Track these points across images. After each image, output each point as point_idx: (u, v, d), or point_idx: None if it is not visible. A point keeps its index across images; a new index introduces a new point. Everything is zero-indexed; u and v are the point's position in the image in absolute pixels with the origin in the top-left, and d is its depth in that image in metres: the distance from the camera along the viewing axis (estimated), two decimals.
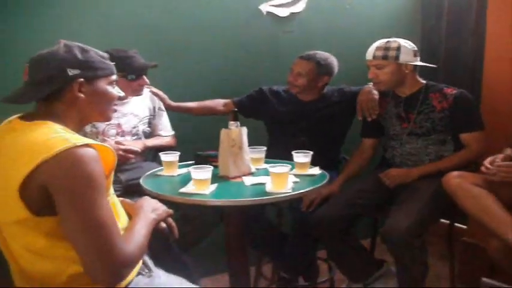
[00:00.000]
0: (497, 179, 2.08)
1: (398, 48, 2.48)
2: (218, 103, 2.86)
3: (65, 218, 1.27)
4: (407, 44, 2.52)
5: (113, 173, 1.45)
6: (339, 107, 2.80)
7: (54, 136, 1.30)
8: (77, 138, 1.31)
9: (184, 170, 2.27)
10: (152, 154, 2.67)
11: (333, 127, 2.82)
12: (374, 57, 2.51)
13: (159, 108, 2.71)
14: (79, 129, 1.48)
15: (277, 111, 2.83)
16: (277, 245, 2.69)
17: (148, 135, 2.65)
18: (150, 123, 2.67)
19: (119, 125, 2.51)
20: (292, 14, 3.21)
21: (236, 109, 2.26)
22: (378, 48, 2.51)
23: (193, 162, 2.33)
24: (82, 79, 1.42)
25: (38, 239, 1.32)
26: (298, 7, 3.23)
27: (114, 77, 1.53)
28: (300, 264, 2.66)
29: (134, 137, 2.57)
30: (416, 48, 2.56)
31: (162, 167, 2.31)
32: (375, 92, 2.67)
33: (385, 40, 2.53)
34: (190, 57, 2.97)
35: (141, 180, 2.14)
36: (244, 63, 3.13)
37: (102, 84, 1.48)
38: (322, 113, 2.79)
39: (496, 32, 2.93)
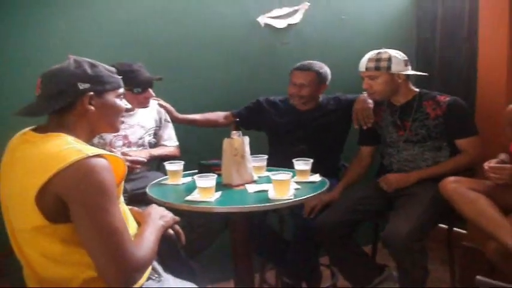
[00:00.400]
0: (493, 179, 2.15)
1: (389, 59, 2.55)
2: (219, 116, 2.95)
3: (79, 225, 1.33)
4: (397, 54, 2.59)
5: (123, 182, 1.52)
6: (336, 116, 2.88)
7: (68, 147, 1.37)
8: (89, 149, 1.38)
9: (188, 179, 2.34)
10: (156, 164, 2.74)
11: (331, 135, 2.89)
12: (367, 68, 2.59)
13: (165, 120, 2.78)
14: (89, 140, 1.55)
15: (275, 121, 2.90)
16: (280, 251, 2.75)
17: (154, 145, 2.72)
18: (155, 134, 2.74)
19: (125, 136, 2.58)
20: (290, 25, 3.29)
21: (238, 119, 2.33)
22: (369, 60, 2.58)
23: (196, 171, 2.40)
24: (92, 93, 1.49)
25: (54, 246, 1.38)
26: (295, 18, 3.31)
27: (121, 90, 1.60)
28: (303, 270, 2.71)
29: (140, 148, 2.63)
30: (407, 58, 2.63)
31: (166, 176, 2.37)
32: (370, 101, 2.74)
33: (376, 51, 2.60)
34: (192, 70, 3.04)
35: (147, 189, 2.20)
36: (244, 75, 3.20)
37: (111, 97, 1.56)
38: (319, 121, 2.86)
39: (488, 42, 3.03)
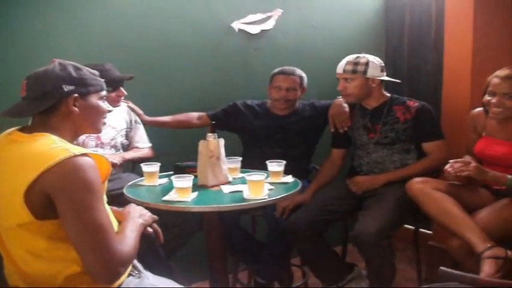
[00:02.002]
0: (453, 174, 2.30)
1: (367, 64, 2.69)
2: (192, 116, 3.03)
3: (66, 221, 1.41)
4: (375, 60, 2.74)
5: (107, 181, 1.61)
6: (311, 121, 3.01)
7: (55, 146, 1.46)
8: (75, 148, 1.47)
9: (164, 180, 2.44)
10: (131, 165, 2.83)
11: (305, 139, 3.02)
12: (344, 71, 2.72)
13: (136, 122, 2.88)
14: (73, 140, 1.63)
15: (252, 124, 3.01)
16: (252, 251, 2.86)
17: (126, 147, 2.81)
18: (127, 136, 2.83)
19: (98, 137, 2.66)
20: (263, 31, 3.41)
21: (214, 122, 2.44)
22: (348, 63, 2.72)
23: (172, 173, 2.49)
24: (76, 94, 1.58)
25: (39, 242, 1.46)
26: (268, 24, 3.43)
27: (104, 92, 1.69)
28: (275, 269, 2.82)
29: (113, 149, 2.72)
30: (383, 64, 2.78)
31: (143, 178, 2.46)
32: (345, 105, 2.88)
33: (355, 55, 2.74)
34: (165, 74, 3.13)
35: (124, 190, 2.28)
36: (217, 79, 3.30)
37: (94, 99, 1.65)
38: (296, 126, 2.98)
39: (453, 50, 3.21)
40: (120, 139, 2.78)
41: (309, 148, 3.09)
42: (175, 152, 2.95)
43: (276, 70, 3.00)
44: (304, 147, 3.04)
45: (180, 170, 2.41)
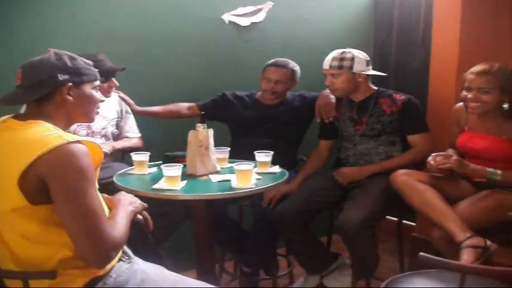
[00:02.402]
0: (434, 166, 2.39)
1: (352, 59, 2.75)
2: (182, 107, 3.07)
3: (59, 205, 1.47)
4: (360, 55, 2.80)
5: (99, 168, 1.67)
6: (300, 112, 3.07)
7: (49, 133, 1.52)
8: (69, 135, 1.53)
9: (154, 169, 2.51)
10: (121, 155, 2.89)
11: (294, 130, 3.10)
12: (330, 66, 2.78)
13: (126, 112, 2.93)
14: (66, 128, 1.68)
15: (242, 115, 3.07)
16: (239, 241, 2.93)
17: (116, 136, 2.87)
18: (117, 125, 2.89)
19: (89, 126, 2.72)
20: (253, 23, 3.48)
21: (204, 112, 2.50)
22: (334, 59, 2.78)
23: (161, 162, 2.56)
24: (71, 83, 1.63)
25: (33, 226, 1.52)
26: (259, 17, 3.49)
27: (97, 82, 1.75)
28: (261, 259, 2.90)
29: (103, 138, 2.79)
30: (369, 58, 2.85)
31: (133, 167, 2.52)
32: (332, 97, 2.95)
33: (341, 51, 2.80)
34: (156, 64, 3.18)
35: (114, 178, 2.35)
36: (208, 70, 3.36)
37: (88, 88, 1.70)
38: (285, 116, 3.05)
39: (440, 45, 3.30)
40: (111, 129, 2.84)
41: (297, 138, 3.16)
42: (165, 142, 3.02)
43: (269, 61, 3.06)
44: (293, 138, 3.11)
45: (169, 160, 2.47)
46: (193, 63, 3.32)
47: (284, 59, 3.08)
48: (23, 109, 2.14)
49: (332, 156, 3.08)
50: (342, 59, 2.76)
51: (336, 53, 2.81)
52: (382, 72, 3.07)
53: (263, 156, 2.50)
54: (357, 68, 2.76)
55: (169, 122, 3.12)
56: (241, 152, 2.74)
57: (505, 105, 2.45)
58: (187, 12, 3.25)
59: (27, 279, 1.52)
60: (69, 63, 1.64)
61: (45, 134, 1.51)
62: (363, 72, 2.80)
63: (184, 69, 3.29)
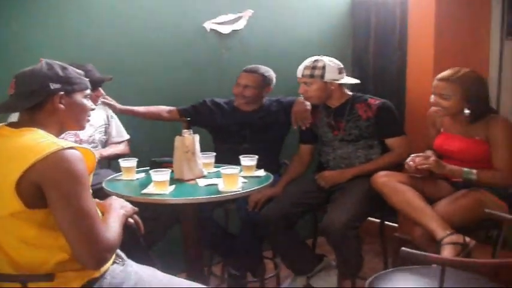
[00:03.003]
0: (413, 167, 2.50)
1: (323, 67, 2.83)
2: (163, 110, 3.15)
3: (56, 210, 1.53)
4: (332, 63, 2.87)
5: (93, 172, 1.73)
6: (277, 117, 3.16)
7: (44, 140, 1.58)
8: (63, 142, 1.59)
9: (141, 175, 2.57)
10: (107, 162, 2.95)
11: (272, 135, 3.17)
12: (302, 75, 2.87)
13: (111, 117, 3.00)
14: (58, 135, 1.74)
15: (221, 121, 3.14)
16: (226, 244, 3.00)
17: (104, 143, 2.93)
18: (106, 132, 2.95)
19: (76, 134, 2.77)
20: (234, 31, 3.56)
21: (189, 118, 2.58)
22: (306, 67, 2.86)
23: (148, 168, 2.62)
24: (62, 92, 1.69)
25: (30, 230, 1.57)
26: (239, 25, 3.58)
27: (88, 91, 1.81)
28: (248, 261, 2.98)
29: (91, 145, 2.84)
30: (341, 66, 2.91)
31: (120, 173, 2.59)
32: (307, 103, 3.03)
33: (313, 59, 2.88)
34: (139, 71, 3.24)
35: (103, 184, 2.40)
36: (189, 78, 3.44)
37: (79, 97, 1.77)
38: (262, 122, 3.13)
39: (416, 51, 3.43)
40: (98, 136, 2.90)
41: (276, 143, 3.23)
42: (150, 148, 3.11)
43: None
44: (272, 143, 3.19)
45: (157, 165, 2.53)
46: (176, 70, 3.38)
47: (258, 65, 3.16)
48: (11, 117, 2.19)
49: (314, 159, 3.17)
50: (313, 67, 2.84)
51: (308, 61, 2.89)
52: (361, 77, 3.17)
53: (248, 161, 2.58)
54: (328, 76, 2.83)
55: (154, 129, 3.20)
56: (224, 157, 2.80)
57: (466, 111, 2.57)
58: (170, 20, 3.33)
59: (26, 282, 1.57)
60: (60, 72, 1.71)
61: (40, 141, 1.57)
62: (335, 81, 2.87)
63: (167, 76, 3.36)
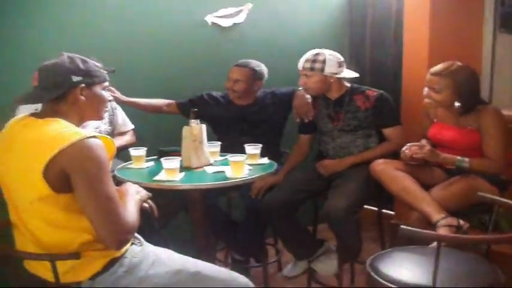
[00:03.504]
0: (408, 156, 2.64)
1: (324, 61, 2.95)
2: (163, 103, 3.30)
3: (80, 194, 1.66)
4: (332, 57, 2.99)
5: (112, 159, 1.86)
6: (272, 109, 3.28)
7: (68, 130, 1.71)
8: (85, 131, 1.73)
9: (150, 163, 2.71)
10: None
11: (269, 126, 3.29)
12: (303, 67, 2.99)
13: (115, 108, 3.13)
14: (79, 125, 1.87)
15: (217, 114, 3.26)
16: (229, 231, 3.14)
17: (111, 133, 3.05)
18: (110, 122, 3.07)
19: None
20: (234, 24, 3.69)
21: (196, 109, 2.71)
22: (306, 60, 2.99)
23: (156, 157, 2.76)
24: (83, 85, 1.82)
25: (56, 213, 1.70)
26: (240, 18, 3.71)
27: (106, 83, 1.94)
28: (251, 247, 3.13)
29: None
30: (341, 60, 3.04)
31: (130, 161, 2.72)
32: (308, 96, 3.17)
33: (315, 52, 3.00)
34: (142, 64, 3.38)
35: (116, 172, 2.53)
36: (191, 70, 3.56)
37: (98, 89, 1.89)
38: (258, 115, 3.26)
39: (412, 44, 3.57)
40: (104, 127, 3.02)
41: (274, 134, 3.36)
42: (156, 138, 3.22)
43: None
44: (270, 135, 3.30)
45: (165, 154, 2.67)
46: (177, 63, 3.51)
47: (249, 59, 3.27)
48: (19, 109, 2.29)
49: (314, 148, 3.31)
50: (314, 60, 2.96)
51: (309, 54, 3.01)
52: (358, 69, 3.29)
53: (252, 149, 2.72)
54: (328, 70, 2.96)
55: (158, 120, 3.34)
56: (225, 149, 2.92)
57: (457, 104, 2.71)
58: (172, 14, 3.46)
59: (54, 260, 1.70)
60: (81, 65, 1.83)
61: (64, 130, 1.70)
62: (335, 75, 3.00)
63: (169, 69, 3.49)
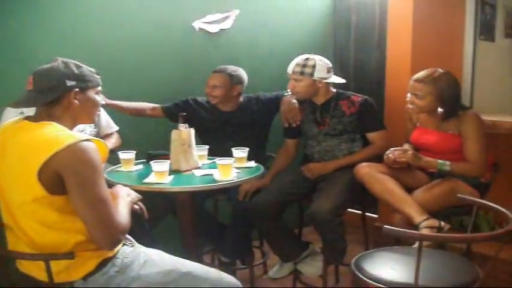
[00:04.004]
0: (392, 160, 2.73)
1: (314, 66, 3.04)
2: (147, 107, 3.33)
3: (74, 196, 1.72)
4: (322, 62, 3.08)
5: (105, 162, 1.92)
6: (257, 113, 3.35)
7: (62, 133, 1.77)
8: (79, 135, 1.79)
9: (139, 166, 2.77)
10: None
11: (254, 131, 3.36)
12: (293, 71, 3.07)
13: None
14: (71, 128, 1.93)
15: (202, 119, 3.31)
16: (216, 233, 3.21)
17: (96, 135, 3.10)
18: (95, 124, 3.12)
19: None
20: (222, 30, 3.77)
21: (185, 113, 2.77)
22: (297, 64, 3.07)
23: (144, 161, 2.82)
24: (77, 89, 1.88)
25: (50, 214, 1.76)
26: (227, 24, 3.79)
27: (99, 88, 2.01)
28: (238, 249, 3.20)
29: None
30: (330, 65, 3.13)
31: (119, 165, 2.78)
32: (295, 101, 3.24)
33: (305, 57, 3.09)
34: (129, 68, 3.43)
35: (105, 175, 2.58)
36: (178, 75, 3.63)
37: (92, 93, 1.95)
38: (242, 120, 3.32)
39: (395, 49, 3.69)
40: (89, 129, 3.07)
41: (259, 138, 3.43)
42: (141, 142, 3.29)
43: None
44: (255, 139, 3.36)
45: (153, 157, 2.72)
46: (166, 68, 3.58)
47: (227, 65, 3.32)
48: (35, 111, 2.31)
49: (299, 152, 3.39)
50: (304, 65, 3.05)
51: (299, 59, 3.09)
52: (343, 74, 3.40)
53: (240, 152, 2.80)
54: (317, 75, 3.05)
55: (142, 123, 3.39)
56: (212, 153, 2.98)
57: (440, 110, 2.82)
58: (160, 19, 3.51)
59: (48, 260, 1.76)
60: (75, 70, 1.89)
61: (59, 133, 1.76)
62: (324, 80, 3.09)
63: (156, 74, 3.55)
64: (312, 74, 3.04)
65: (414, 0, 3.53)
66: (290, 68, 3.10)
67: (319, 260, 3.11)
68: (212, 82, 3.25)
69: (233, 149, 2.81)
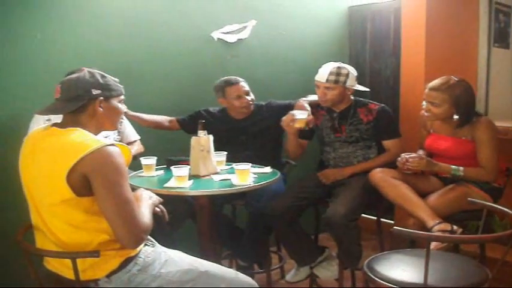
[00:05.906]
0: (406, 168, 2.80)
1: (347, 75, 3.13)
2: (165, 119, 3.50)
3: (100, 197, 1.83)
4: (353, 71, 3.17)
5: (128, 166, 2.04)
6: (270, 120, 3.41)
7: (89, 138, 1.89)
8: (105, 140, 1.91)
9: (160, 172, 2.89)
10: None
11: (268, 137, 3.45)
12: (327, 80, 3.11)
13: (122, 119, 3.30)
14: (96, 135, 2.05)
15: (215, 129, 3.30)
16: (234, 237, 3.31)
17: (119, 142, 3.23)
18: (119, 132, 3.26)
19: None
20: (239, 40, 3.90)
21: (204, 121, 2.89)
22: (331, 73, 3.10)
23: (165, 166, 2.94)
24: (102, 97, 2.00)
25: (77, 215, 1.87)
26: (244, 34, 3.92)
27: (123, 96, 2.13)
28: (255, 253, 3.28)
29: None
30: (357, 74, 3.21)
31: (141, 170, 2.91)
32: (307, 106, 3.23)
33: (337, 65, 3.13)
34: (149, 78, 3.57)
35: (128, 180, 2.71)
36: (197, 84, 3.76)
37: (115, 101, 2.07)
38: (255, 127, 3.42)
39: (409, 56, 3.76)
40: (113, 136, 3.21)
41: (274, 145, 3.52)
42: (161, 148, 3.40)
43: (222, 82, 3.41)
44: (270, 146, 3.47)
45: (174, 163, 2.84)
46: (184, 77, 3.71)
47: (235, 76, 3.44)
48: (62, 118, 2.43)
49: (315, 158, 3.48)
50: (338, 74, 3.11)
51: (332, 67, 3.12)
52: (358, 81, 3.47)
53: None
54: (349, 83, 3.14)
55: (165, 132, 3.51)
56: (229, 161, 3.06)
57: (455, 117, 2.89)
58: (180, 31, 3.65)
59: (75, 258, 1.87)
60: (100, 80, 2.02)
61: (86, 139, 1.88)
62: (353, 88, 3.18)
63: (175, 83, 3.68)
64: (345, 83, 3.12)
65: (427, 9, 3.61)
66: (323, 77, 3.12)
67: (335, 264, 3.18)
68: (246, 89, 3.36)
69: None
